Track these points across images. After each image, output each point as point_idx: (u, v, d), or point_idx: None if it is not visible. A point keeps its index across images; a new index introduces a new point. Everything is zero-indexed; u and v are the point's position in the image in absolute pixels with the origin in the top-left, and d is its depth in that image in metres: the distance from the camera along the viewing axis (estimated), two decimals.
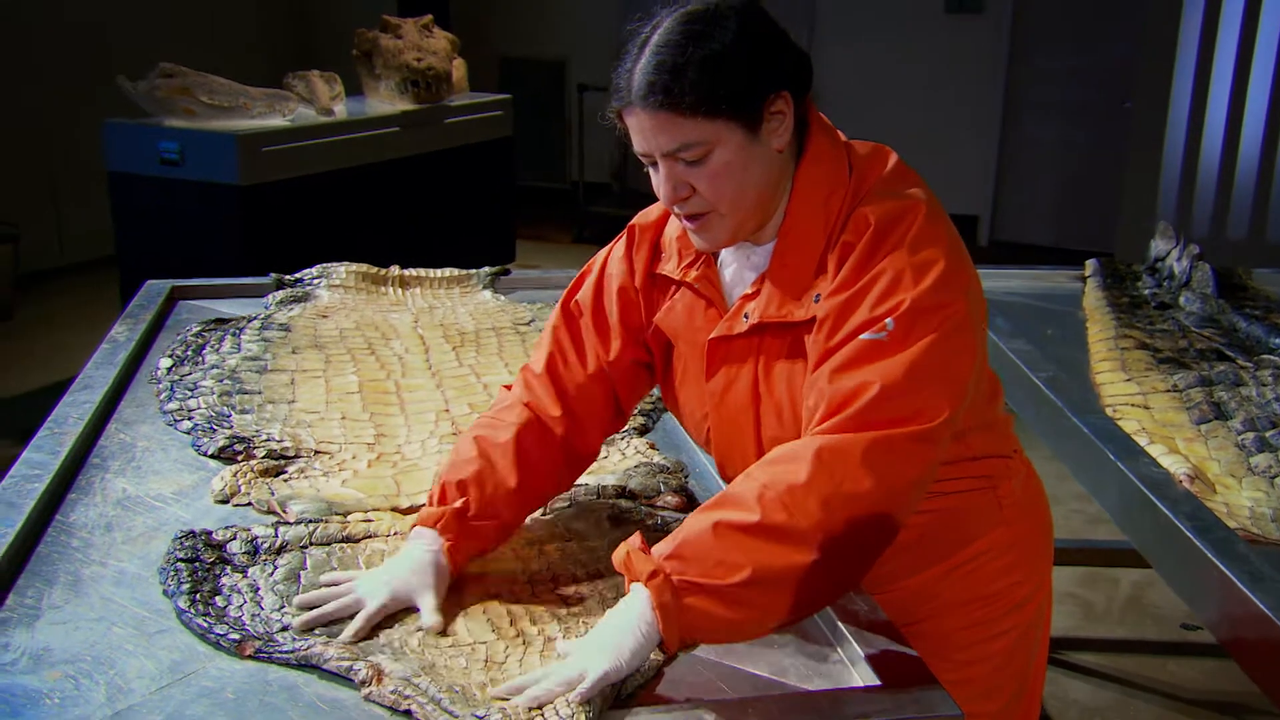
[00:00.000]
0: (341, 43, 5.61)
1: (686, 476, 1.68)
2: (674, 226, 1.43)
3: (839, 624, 1.27)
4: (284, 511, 1.52)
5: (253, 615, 1.27)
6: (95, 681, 1.16)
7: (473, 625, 1.26)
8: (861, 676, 1.21)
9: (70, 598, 1.33)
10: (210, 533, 1.43)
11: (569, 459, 1.46)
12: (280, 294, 2.46)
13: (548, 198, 8.09)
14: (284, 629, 1.24)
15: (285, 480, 1.61)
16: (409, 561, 1.30)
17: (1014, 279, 2.81)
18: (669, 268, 1.43)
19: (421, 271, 2.59)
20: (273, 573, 1.35)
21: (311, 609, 1.26)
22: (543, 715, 1.08)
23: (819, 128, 1.34)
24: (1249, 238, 5.67)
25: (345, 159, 4.59)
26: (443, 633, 1.24)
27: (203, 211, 4.20)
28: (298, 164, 4.35)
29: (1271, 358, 2.14)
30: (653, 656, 1.20)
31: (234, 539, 1.41)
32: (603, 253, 1.51)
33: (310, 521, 1.47)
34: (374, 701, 1.12)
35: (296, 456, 1.69)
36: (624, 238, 1.49)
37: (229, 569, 1.36)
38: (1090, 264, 2.78)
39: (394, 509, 1.54)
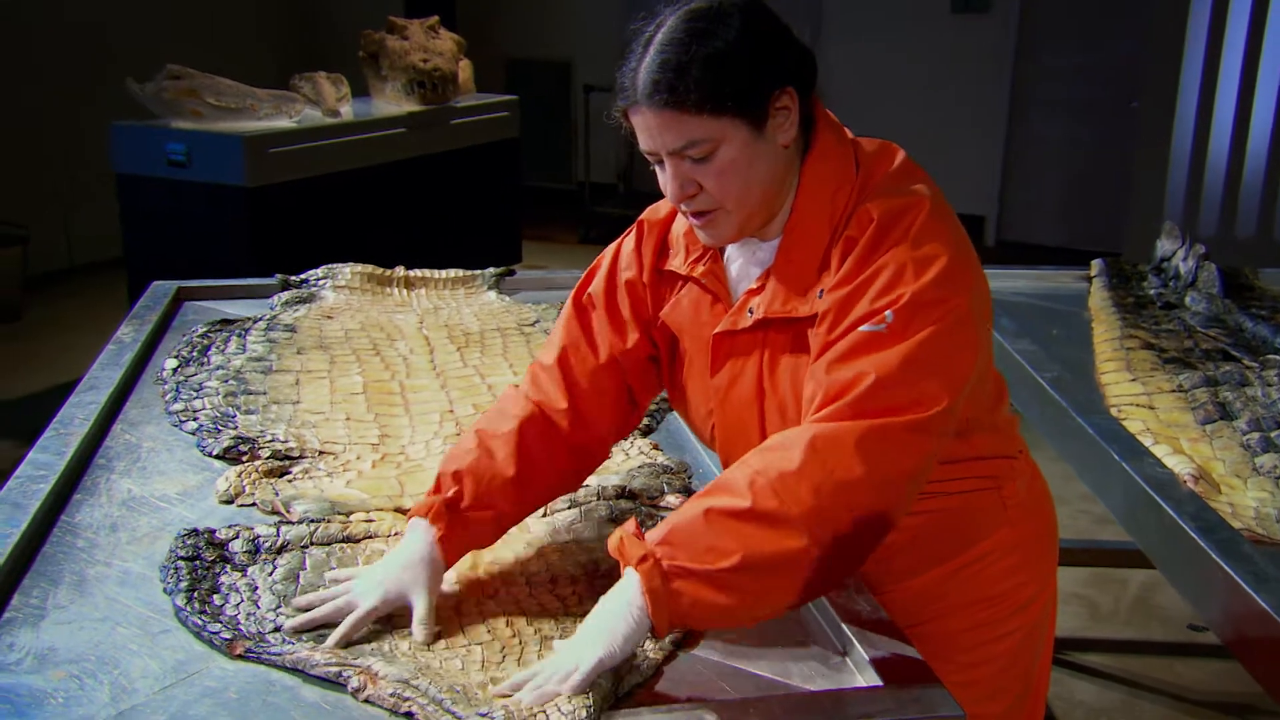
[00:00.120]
0: (348, 44, 5.62)
1: (690, 477, 1.68)
2: (681, 223, 1.43)
3: (842, 624, 1.27)
4: (288, 512, 1.52)
5: (248, 615, 1.27)
6: (99, 681, 1.17)
7: (469, 627, 1.26)
8: (864, 677, 1.21)
9: (75, 598, 1.34)
10: (213, 531, 1.44)
11: (574, 454, 1.45)
12: (285, 295, 2.47)
13: (554, 198, 8.10)
14: (276, 629, 1.24)
15: (289, 481, 1.62)
16: (402, 557, 1.30)
17: (1019, 279, 2.80)
18: (676, 263, 1.44)
19: (426, 272, 2.59)
20: (272, 572, 1.35)
21: (305, 608, 1.27)
22: (544, 714, 1.08)
23: (825, 124, 1.34)
24: (1257, 237, 5.65)
25: (352, 160, 4.60)
26: (437, 636, 1.24)
27: (210, 213, 4.22)
28: (304, 165, 4.36)
29: (1278, 358, 2.13)
30: (652, 655, 1.20)
31: (236, 538, 1.42)
32: (613, 246, 1.51)
33: (311, 521, 1.47)
34: (373, 704, 1.12)
35: (301, 457, 1.70)
36: (633, 232, 1.49)
37: (229, 568, 1.36)
38: (1096, 264, 2.77)
39: (397, 509, 1.54)
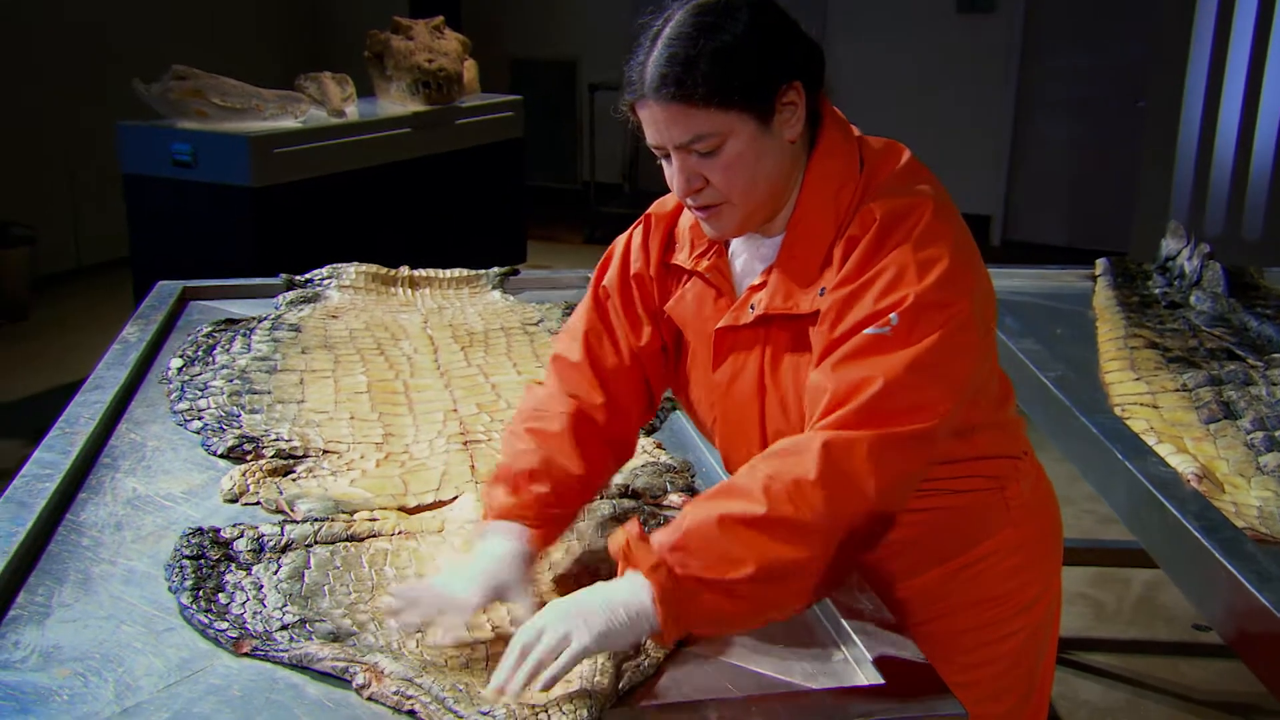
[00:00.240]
0: (353, 44, 5.63)
1: (693, 476, 1.68)
2: (688, 217, 1.43)
3: (844, 623, 1.27)
4: (292, 511, 1.53)
5: (254, 613, 1.28)
6: (104, 679, 1.18)
7: (473, 625, 1.26)
8: (866, 676, 1.21)
9: (80, 596, 1.34)
10: (218, 530, 1.44)
11: (613, 448, 1.45)
12: (290, 295, 2.48)
13: (559, 198, 8.10)
14: (283, 628, 1.25)
15: (294, 480, 1.62)
16: (494, 556, 1.27)
17: (1023, 278, 2.80)
18: (681, 257, 1.44)
19: (431, 272, 2.60)
20: (277, 571, 1.36)
21: (399, 609, 1.22)
22: (547, 714, 1.08)
23: (832, 121, 1.34)
24: (1263, 237, 5.64)
25: (357, 160, 4.61)
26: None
27: (215, 213, 4.23)
28: (309, 165, 4.37)
29: None
30: (653, 654, 1.20)
31: (241, 537, 1.42)
32: (623, 238, 1.51)
33: (315, 520, 1.48)
34: (376, 701, 1.13)
35: (305, 456, 1.70)
36: (641, 225, 1.49)
37: (233, 566, 1.37)
38: (1101, 263, 2.77)
39: (400, 508, 1.55)
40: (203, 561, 1.37)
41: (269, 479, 1.61)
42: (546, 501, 1.33)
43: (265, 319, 2.31)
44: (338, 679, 1.17)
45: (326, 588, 1.33)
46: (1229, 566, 1.43)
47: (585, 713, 1.07)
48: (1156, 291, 2.60)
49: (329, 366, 2.07)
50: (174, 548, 1.41)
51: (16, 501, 1.51)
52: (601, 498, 1.55)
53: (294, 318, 2.33)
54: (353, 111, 4.77)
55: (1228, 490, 1.67)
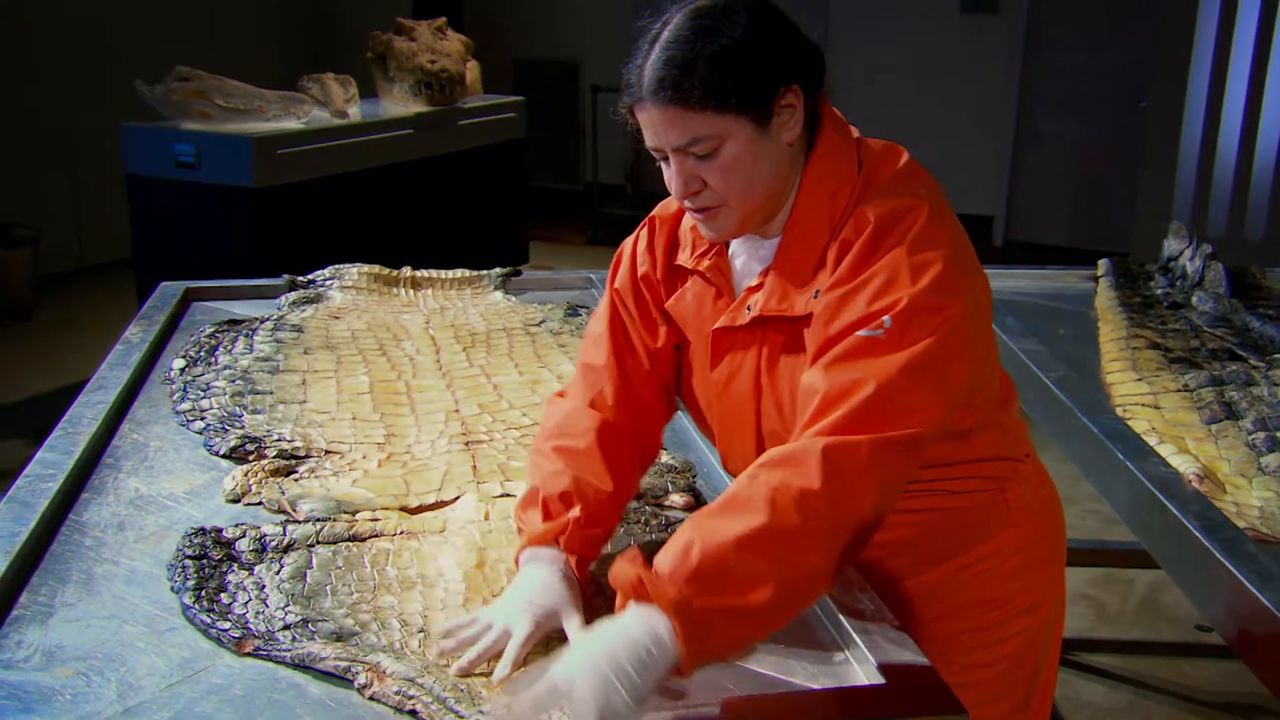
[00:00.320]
0: (356, 45, 5.64)
1: (694, 476, 1.68)
2: (690, 218, 1.44)
3: (844, 623, 1.28)
4: (294, 511, 1.53)
5: (256, 613, 1.28)
6: (106, 678, 1.18)
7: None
8: (867, 676, 1.21)
9: (82, 596, 1.35)
10: (220, 530, 1.45)
11: (640, 452, 1.45)
12: (293, 295, 2.48)
13: (561, 199, 8.11)
14: (285, 628, 1.25)
15: (296, 480, 1.62)
16: (536, 584, 1.26)
17: (1025, 279, 2.80)
18: (683, 257, 1.44)
19: (433, 273, 2.60)
20: (279, 571, 1.36)
21: (452, 653, 1.20)
22: (547, 715, 1.08)
23: (831, 123, 1.34)
24: (1265, 237, 5.63)
25: (359, 161, 4.61)
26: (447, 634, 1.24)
27: (218, 214, 4.24)
28: (312, 166, 4.38)
29: None
30: None
31: (243, 537, 1.42)
32: (629, 241, 1.51)
33: (317, 520, 1.48)
34: (378, 701, 1.13)
35: (307, 456, 1.70)
36: (645, 228, 1.50)
37: (236, 566, 1.37)
38: (1103, 263, 2.77)
39: (402, 508, 1.55)
40: (205, 561, 1.37)
41: (271, 479, 1.61)
42: (580, 524, 1.32)
43: (268, 319, 2.31)
44: (340, 679, 1.17)
45: (329, 588, 1.33)
46: (1230, 567, 1.43)
47: None
48: (1158, 292, 2.60)
49: (331, 367, 2.07)
50: (176, 548, 1.42)
51: (19, 501, 1.52)
52: None
53: (296, 318, 2.33)
54: (355, 112, 4.78)
55: (1229, 491, 1.67)
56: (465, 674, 1.17)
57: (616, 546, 1.41)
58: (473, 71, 5.45)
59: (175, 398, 1.94)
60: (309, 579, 1.35)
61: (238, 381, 1.98)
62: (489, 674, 1.18)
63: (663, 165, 1.31)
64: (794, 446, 1.20)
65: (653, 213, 1.50)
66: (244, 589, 1.33)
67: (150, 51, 6.16)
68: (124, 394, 1.95)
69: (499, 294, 2.56)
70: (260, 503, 1.57)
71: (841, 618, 1.28)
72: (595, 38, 7.98)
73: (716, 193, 1.29)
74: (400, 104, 5.08)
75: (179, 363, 2.08)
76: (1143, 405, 1.96)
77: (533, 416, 1.87)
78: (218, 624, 1.25)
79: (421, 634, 1.25)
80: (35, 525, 1.46)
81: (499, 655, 1.18)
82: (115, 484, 1.65)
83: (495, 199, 5.59)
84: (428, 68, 5.02)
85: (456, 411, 1.89)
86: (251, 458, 1.70)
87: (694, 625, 1.11)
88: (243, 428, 1.80)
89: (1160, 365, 2.11)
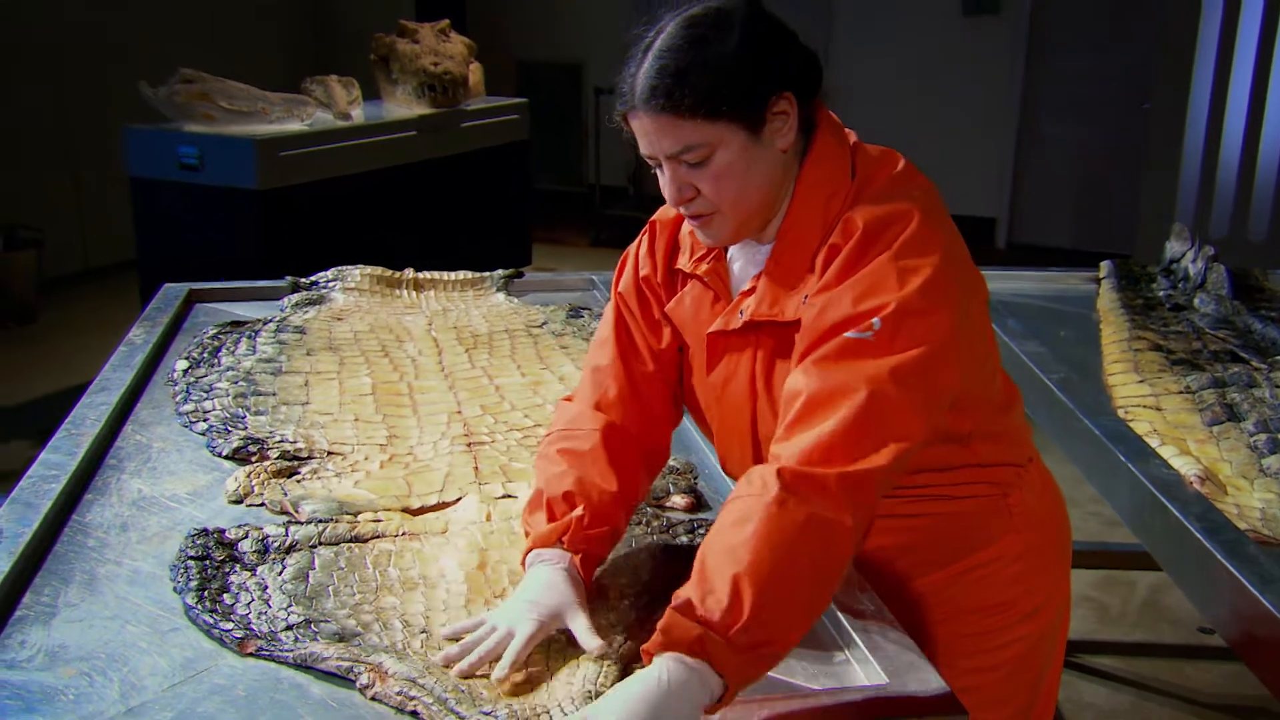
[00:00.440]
0: (359, 48, 5.65)
1: (696, 478, 1.68)
2: (688, 223, 1.44)
3: (845, 623, 1.28)
4: (296, 512, 1.53)
5: (259, 613, 1.28)
6: (109, 679, 1.18)
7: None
8: (867, 676, 1.21)
9: (85, 596, 1.35)
10: (223, 531, 1.45)
11: (649, 456, 1.45)
12: (295, 297, 2.49)
13: (564, 201, 8.11)
14: (288, 628, 1.25)
15: (298, 481, 1.63)
16: (541, 584, 1.26)
17: (1027, 280, 2.80)
18: (682, 261, 1.44)
19: (436, 274, 2.61)
20: (281, 572, 1.36)
21: (456, 657, 1.20)
22: (548, 714, 1.08)
23: (826, 128, 1.34)
24: (1268, 239, 5.63)
25: (363, 163, 4.62)
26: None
27: (222, 216, 4.24)
28: (315, 168, 4.38)
29: None
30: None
31: (245, 538, 1.43)
32: (632, 246, 1.52)
33: (320, 521, 1.48)
34: (380, 701, 1.13)
35: (309, 457, 1.71)
36: (647, 233, 1.50)
37: (238, 567, 1.38)
38: (1105, 265, 2.77)
39: (404, 509, 1.55)
40: (208, 562, 1.38)
41: (274, 480, 1.62)
42: (584, 523, 1.32)
43: (270, 321, 2.32)
44: (342, 679, 1.17)
45: (331, 588, 1.34)
46: (1231, 569, 1.43)
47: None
48: (1160, 294, 2.60)
49: (334, 368, 2.08)
50: (179, 548, 1.42)
51: (23, 502, 1.52)
52: None
53: (299, 320, 2.34)
54: (358, 115, 4.78)
55: (1230, 492, 1.67)
56: (467, 676, 1.17)
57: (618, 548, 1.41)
58: (475, 73, 5.46)
59: (178, 399, 1.95)
60: (311, 580, 1.35)
61: (240, 383, 1.98)
62: (489, 675, 1.18)
63: (658, 171, 1.32)
64: (811, 473, 1.16)
65: (653, 217, 1.50)
66: (246, 590, 1.33)
67: (151, 52, 6.18)
68: (127, 395, 1.95)
69: (501, 295, 2.56)
70: (263, 504, 1.57)
71: (842, 617, 1.28)
72: (598, 39, 7.98)
73: (709, 200, 1.29)
74: (403, 106, 5.09)
75: (182, 364, 2.09)
76: (1144, 407, 1.96)
77: (535, 418, 1.87)
78: (220, 624, 1.25)
79: (423, 634, 1.25)
80: (38, 526, 1.46)
81: (500, 657, 1.18)
82: (118, 485, 1.65)
83: (498, 201, 5.60)
84: (431, 70, 5.03)
85: (459, 413, 1.90)
86: (254, 459, 1.70)
87: (744, 682, 1.11)
88: (245, 429, 1.80)
89: (1162, 367, 2.11)
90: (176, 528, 1.51)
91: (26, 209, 5.90)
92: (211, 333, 2.25)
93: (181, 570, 1.37)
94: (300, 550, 1.41)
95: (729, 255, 1.42)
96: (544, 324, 2.37)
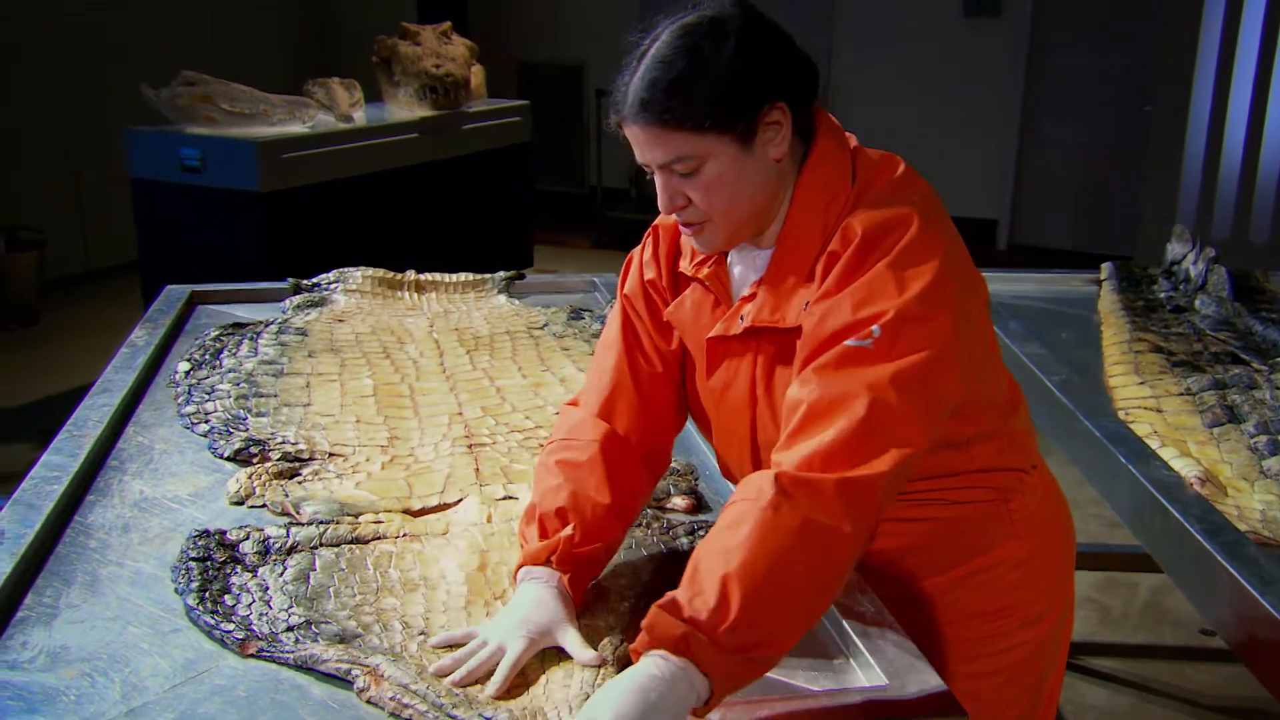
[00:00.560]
0: (361, 50, 5.65)
1: (697, 479, 1.68)
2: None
3: (845, 624, 1.28)
4: (297, 513, 1.54)
5: (260, 615, 1.28)
6: (110, 679, 1.19)
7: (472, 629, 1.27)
8: (867, 676, 1.21)
9: (87, 597, 1.35)
10: (224, 532, 1.45)
11: (649, 462, 1.44)
12: (297, 299, 2.49)
13: (566, 203, 8.12)
14: (288, 629, 1.25)
15: (299, 482, 1.63)
16: (530, 601, 1.25)
17: (1028, 282, 2.80)
18: (684, 265, 1.44)
19: (437, 276, 2.61)
20: (282, 573, 1.37)
21: (449, 669, 1.19)
22: (545, 715, 1.09)
23: (826, 133, 1.33)
24: (1270, 241, 5.63)
25: (364, 165, 4.62)
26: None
27: (223, 218, 4.25)
28: (317, 170, 4.39)
29: None
30: None
31: (247, 539, 1.43)
32: (636, 249, 1.52)
33: (321, 523, 1.49)
34: (374, 705, 1.13)
35: (311, 459, 1.71)
36: (650, 237, 1.50)
37: (239, 568, 1.38)
38: (1106, 267, 2.77)
39: (405, 511, 1.56)
40: (209, 563, 1.38)
41: (275, 482, 1.62)
42: (574, 542, 1.31)
43: (272, 323, 2.32)
44: (342, 680, 1.17)
45: (331, 590, 1.34)
46: (1231, 570, 1.44)
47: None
48: (1161, 296, 2.60)
49: (335, 370, 2.08)
50: (180, 550, 1.42)
51: (25, 503, 1.53)
52: None
53: (301, 322, 2.34)
54: (360, 117, 4.79)
55: (1231, 494, 1.67)
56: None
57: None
58: (477, 75, 5.46)
59: (180, 400, 1.95)
60: (312, 581, 1.36)
61: (242, 384, 1.99)
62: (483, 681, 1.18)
63: (653, 178, 1.32)
64: (809, 478, 1.16)
65: (656, 221, 1.50)
66: (247, 591, 1.33)
67: (152, 52, 6.19)
68: (129, 397, 1.95)
69: (503, 297, 2.56)
70: (264, 505, 1.58)
71: (842, 620, 1.29)
72: (599, 41, 7.97)
73: (700, 209, 1.29)
74: (405, 108, 5.09)
75: (184, 366, 2.09)
76: (1145, 408, 1.96)
77: (536, 419, 1.88)
78: (221, 625, 1.26)
79: (422, 636, 1.25)
80: (40, 527, 1.47)
81: (491, 673, 1.18)
82: (120, 486, 1.65)
83: (500, 203, 5.60)
84: (432, 72, 5.03)
85: (460, 414, 1.90)
86: (255, 460, 1.70)
87: (733, 684, 1.11)
88: (247, 430, 1.80)
89: (1163, 369, 2.12)
90: (178, 529, 1.51)
91: (27, 210, 5.91)
92: (213, 334, 2.25)
93: (183, 571, 1.37)
94: (301, 551, 1.41)
95: (729, 259, 1.42)
96: (545, 326, 2.37)
